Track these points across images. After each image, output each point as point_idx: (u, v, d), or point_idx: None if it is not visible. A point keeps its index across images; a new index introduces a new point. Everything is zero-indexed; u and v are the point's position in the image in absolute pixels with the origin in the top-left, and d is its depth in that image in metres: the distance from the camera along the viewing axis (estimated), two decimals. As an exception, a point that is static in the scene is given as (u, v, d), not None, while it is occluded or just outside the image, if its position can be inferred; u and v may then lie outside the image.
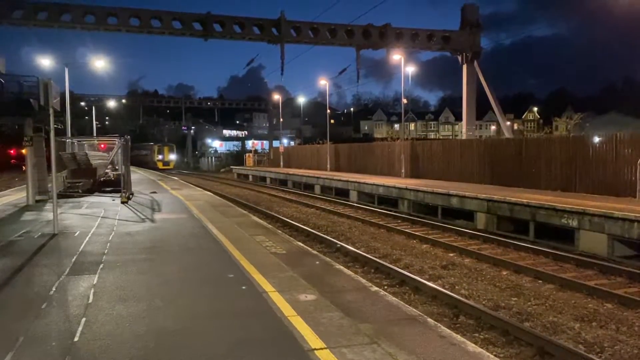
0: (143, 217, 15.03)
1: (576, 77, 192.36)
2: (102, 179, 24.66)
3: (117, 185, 21.80)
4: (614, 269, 11.01)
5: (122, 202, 18.50)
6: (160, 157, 71.54)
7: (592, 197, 15.86)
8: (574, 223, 13.58)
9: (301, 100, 78.66)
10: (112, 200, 19.41)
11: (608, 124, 63.55)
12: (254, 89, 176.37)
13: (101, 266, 8.61)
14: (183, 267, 8.72)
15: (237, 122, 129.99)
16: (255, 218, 15.45)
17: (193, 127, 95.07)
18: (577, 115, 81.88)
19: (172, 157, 73.27)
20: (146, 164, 71.56)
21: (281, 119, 62.59)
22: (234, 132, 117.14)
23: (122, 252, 9.84)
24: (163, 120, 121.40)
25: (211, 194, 24.67)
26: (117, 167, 25.82)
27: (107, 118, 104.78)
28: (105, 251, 9.89)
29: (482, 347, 5.82)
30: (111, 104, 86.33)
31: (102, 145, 34.98)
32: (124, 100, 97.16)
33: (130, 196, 20.25)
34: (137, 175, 39.48)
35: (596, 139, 17.78)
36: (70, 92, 31.36)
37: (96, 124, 59.06)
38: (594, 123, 75.19)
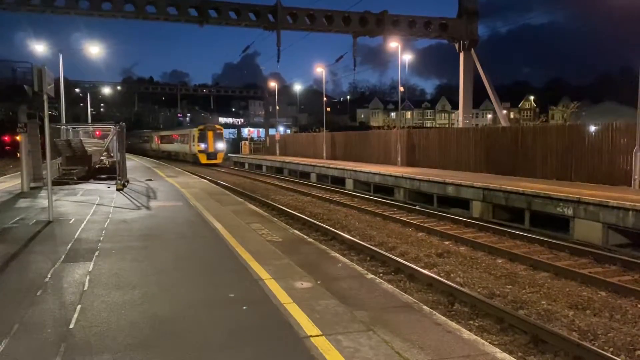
0: (138, 204, 14.99)
1: (573, 66, 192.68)
2: (97, 166, 24.58)
3: (112, 173, 21.72)
4: (608, 258, 11.06)
5: (118, 190, 18.45)
6: (202, 146, 48.34)
7: (588, 186, 15.91)
8: (569, 212, 13.62)
9: (297, 88, 78.63)
10: (108, 188, 19.34)
11: (604, 113, 63.62)
12: (249, 76, 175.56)
13: (96, 253, 8.59)
14: (179, 254, 8.71)
15: (233, 109, 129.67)
16: (252, 206, 15.43)
17: (189, 115, 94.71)
18: (573, 104, 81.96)
19: (221, 145, 49.69)
20: (177, 155, 56.05)
21: (277, 107, 62.29)
22: (229, 120, 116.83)
23: (118, 239, 9.82)
24: (158, 107, 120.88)
25: (207, 181, 24.62)
26: (112, 154, 25.69)
27: (102, 105, 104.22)
28: (101, 238, 9.86)
29: (477, 335, 5.84)
30: (106, 90, 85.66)
31: (97, 132, 34.81)
32: (119, 87, 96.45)
33: (126, 183, 20.20)
34: (133, 162, 39.34)
35: (592, 128, 17.79)
36: (65, 79, 31.13)
37: (91, 111, 58.74)
38: (590, 112, 75.29)
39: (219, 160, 48.46)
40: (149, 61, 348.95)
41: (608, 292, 8.90)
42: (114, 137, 23.18)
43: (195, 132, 49.27)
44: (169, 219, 12.25)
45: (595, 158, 17.20)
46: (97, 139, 32.49)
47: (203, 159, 47.53)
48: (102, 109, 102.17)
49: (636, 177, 15.32)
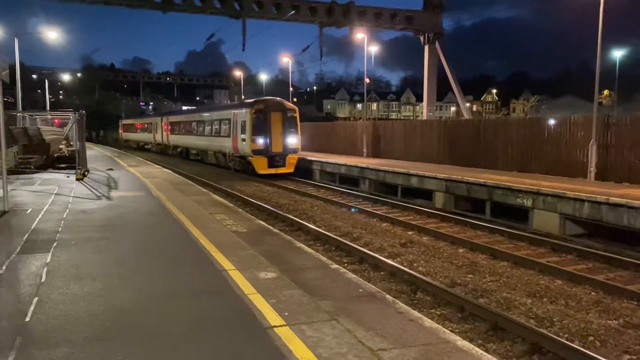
0: (99, 194, 14.65)
1: (534, 59, 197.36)
2: (56, 154, 23.87)
3: (71, 162, 21.14)
4: (565, 247, 11.43)
5: (77, 179, 17.98)
6: (260, 141, 25.41)
7: (547, 178, 16.35)
8: (528, 202, 13.99)
9: (263, 77, 77.80)
10: (67, 177, 18.83)
11: (563, 107, 65.51)
12: (214, 64, 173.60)
13: (55, 244, 8.36)
14: (141, 246, 8.56)
15: (198, 98, 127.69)
16: (216, 196, 15.28)
17: (151, 103, 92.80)
18: (534, 97, 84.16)
19: (294, 140, 26.18)
20: (203, 155, 34.12)
21: (243, 96, 61.75)
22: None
23: (77, 230, 9.57)
24: (120, 95, 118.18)
25: (170, 171, 24.22)
26: (72, 143, 25.00)
27: (60, 92, 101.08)
28: (59, 229, 9.60)
29: (438, 323, 5.95)
30: (65, 77, 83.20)
31: (56, 121, 33.81)
32: (79, 74, 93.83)
33: (86, 173, 19.69)
34: (93, 151, 38.38)
35: (551, 121, 18.28)
36: (21, 64, 30.05)
37: (50, 98, 56.90)
38: (550, 105, 77.38)
39: (289, 169, 25.88)
40: (110, 47, 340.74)
41: (564, 280, 9.20)
42: (74, 126, 22.54)
43: (246, 114, 25.69)
44: (131, 210, 12.01)
45: (555, 150, 17.68)
46: (56, 128, 31.55)
47: (261, 166, 25.19)
48: (61, 97, 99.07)
49: (592, 169, 15.82)
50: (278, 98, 27.78)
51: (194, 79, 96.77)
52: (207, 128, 32.39)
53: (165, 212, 11.73)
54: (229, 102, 57.92)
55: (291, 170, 25.97)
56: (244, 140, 25.88)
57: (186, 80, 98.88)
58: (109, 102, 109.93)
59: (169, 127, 42.27)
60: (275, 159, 25.42)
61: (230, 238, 9.02)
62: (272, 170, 25.30)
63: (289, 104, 26.92)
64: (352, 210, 16.39)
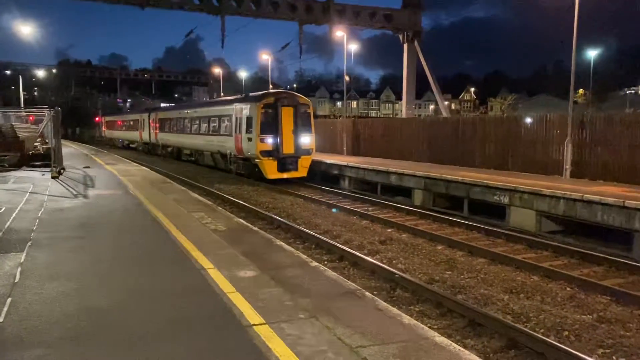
0: (75, 193, 14.42)
1: (511, 59, 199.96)
2: (30, 152, 23.39)
3: (47, 160, 20.75)
4: (541, 244, 11.61)
5: (53, 177, 17.66)
6: (269, 141, 21.72)
7: (523, 175, 16.59)
8: (505, 200, 14.17)
9: (243, 74, 77.30)
10: (42, 175, 18.48)
11: (539, 106, 66.48)
12: (192, 61, 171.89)
13: (29, 244, 8.20)
14: (118, 244, 8.45)
15: (176, 95, 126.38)
16: (195, 195, 15.15)
17: (129, 100, 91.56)
18: (511, 96, 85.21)
19: (307, 140, 22.49)
20: (200, 158, 30.20)
21: (222, 93, 61.34)
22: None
23: (53, 229, 9.41)
24: (97, 92, 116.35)
25: (148, 169, 23.95)
26: (47, 140, 24.53)
27: (35, 88, 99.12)
28: (34, 228, 9.42)
29: (417, 319, 6.00)
30: (40, 73, 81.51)
31: (31, 118, 33.11)
32: (54, 70, 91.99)
33: (62, 171, 19.36)
34: (70, 149, 37.75)
35: (528, 120, 18.54)
36: (-6, 60, 29.34)
37: (24, 95, 55.74)
38: (526, 104, 78.48)
39: (301, 173, 22.47)
40: (86, 43, 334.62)
41: (540, 276, 9.35)
42: (49, 123, 22.12)
43: (252, 109, 22.13)
44: (108, 208, 11.84)
45: (531, 148, 17.95)
46: (31, 125, 30.92)
47: (271, 170, 21.86)
48: (36, 93, 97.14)
49: (567, 167, 16.10)
50: (289, 90, 24.45)
51: (172, 75, 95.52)
52: (204, 125, 28.61)
53: (143, 211, 11.59)
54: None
55: (304, 174, 22.46)
56: (249, 139, 22.16)
57: (164, 77, 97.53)
58: (85, 98, 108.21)
59: (158, 124, 38.78)
60: (286, 162, 21.94)
61: (209, 236, 8.96)
62: (283, 175, 21.98)
63: (302, 97, 23.21)
64: (334, 210, 16.24)
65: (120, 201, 12.99)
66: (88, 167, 22.37)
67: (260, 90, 25.98)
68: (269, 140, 21.64)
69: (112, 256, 7.66)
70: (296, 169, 22.21)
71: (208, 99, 39.65)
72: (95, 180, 17.53)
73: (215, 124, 26.93)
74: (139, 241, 8.77)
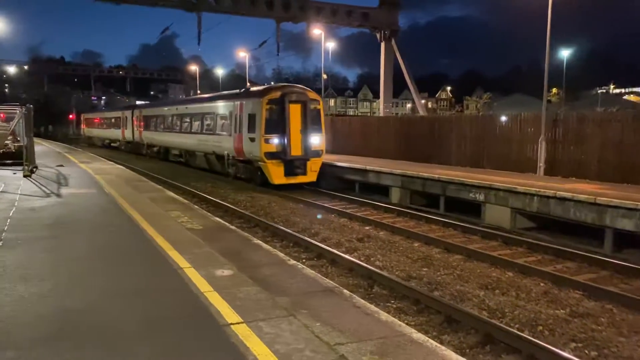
0: (48, 192, 14.13)
1: (487, 58, 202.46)
2: (1, 150, 22.85)
3: (18, 158, 20.29)
4: (515, 240, 11.80)
5: (25, 176, 17.27)
6: (275, 141, 19.46)
7: (499, 173, 16.82)
8: (481, 197, 14.36)
9: (219, 72, 76.70)
10: (14, 174, 18.06)
11: (514, 104, 67.48)
12: (168, 58, 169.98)
13: (0, 244, 8.01)
14: (92, 244, 8.31)
15: (152, 92, 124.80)
16: (171, 193, 14.99)
17: (104, 98, 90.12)
18: (486, 95, 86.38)
19: (317, 140, 20.17)
20: (208, 158, 25.38)
21: (198, 91, 60.75)
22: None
23: (25, 229, 9.20)
24: (70, 89, 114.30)
25: (123, 167, 23.61)
26: (19, 138, 24.00)
27: (6, 85, 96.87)
28: (5, 228, 9.19)
29: (394, 316, 6.04)
30: (11, 70, 79.68)
31: (2, 115, 32.35)
32: (26, 67, 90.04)
33: (34, 169, 18.94)
34: (42, 147, 36.99)
35: (503, 118, 18.83)
36: (-37, 56, 28.60)
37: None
38: (501, 103, 79.54)
39: (310, 178, 20.27)
40: (58, 39, 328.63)
41: (515, 272, 9.49)
42: (21, 120, 21.64)
43: (256, 106, 19.96)
44: (82, 207, 11.64)
45: (506, 147, 18.22)
46: (1, 122, 30.20)
47: (277, 174, 19.61)
48: (6, 90, 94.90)
49: (541, 164, 16.38)
50: (297, 85, 22.07)
51: (148, 73, 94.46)
52: (196, 123, 26.19)
53: (118, 210, 11.42)
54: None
55: (313, 179, 20.18)
56: (252, 139, 19.82)
57: (140, 74, 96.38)
58: (58, 96, 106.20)
59: (143, 122, 36.29)
60: (294, 165, 19.64)
61: (185, 235, 8.88)
62: (290, 180, 19.61)
63: (312, 93, 20.87)
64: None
65: (94, 200, 12.78)
66: (61, 166, 21.95)
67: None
68: (275, 140, 19.36)
69: (86, 256, 7.53)
70: (305, 173, 19.94)
71: (201, 95, 35.51)
72: (69, 179, 17.22)
73: (210, 122, 24.57)
74: (114, 240, 8.64)
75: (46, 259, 7.25)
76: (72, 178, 17.56)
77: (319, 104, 20.70)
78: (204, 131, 25.15)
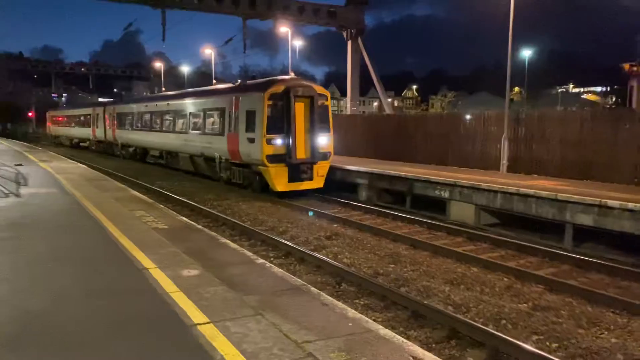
0: (7, 191, 13.69)
1: (451, 57, 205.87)
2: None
3: (-26, 157, 19.62)
4: (480, 236, 12.03)
5: (-19, 176, 16.70)
6: (279, 142, 16.79)
7: (463, 171, 17.10)
8: (446, 194, 14.59)
9: (185, 69, 75.57)
10: (-31, 174, 17.44)
11: (478, 103, 68.78)
12: (132, 55, 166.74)
13: (-45, 246, 7.74)
14: (54, 245, 8.10)
15: (115, 90, 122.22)
16: (135, 192, 14.73)
17: (65, 95, 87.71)
18: (451, 93, 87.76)
19: (324, 140, 17.56)
20: (194, 160, 22.72)
21: (163, 88, 59.75)
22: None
23: (-18, 230, 8.91)
24: (30, 86, 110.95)
25: (85, 166, 23.07)
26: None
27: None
28: (-39, 230, 8.89)
29: (362, 313, 6.08)
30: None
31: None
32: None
33: (-9, 169, 18.33)
34: (0, 145, 35.83)
35: (467, 117, 19.16)
36: None
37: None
38: (466, 101, 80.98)
39: (317, 184, 17.79)
40: (16, 35, 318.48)
41: (479, 267, 9.68)
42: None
43: (255, 101, 17.30)
44: (43, 207, 11.33)
45: (470, 145, 18.54)
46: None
47: (281, 180, 17.03)
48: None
49: (504, 162, 16.74)
50: (303, 79, 19.14)
51: (111, 69, 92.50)
52: (180, 122, 23.39)
53: (80, 210, 11.16)
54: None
55: (320, 185, 17.79)
56: (251, 140, 17.32)
57: (102, 70, 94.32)
58: (17, 93, 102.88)
59: (116, 120, 33.47)
60: (300, 170, 17.19)
61: (150, 235, 8.74)
62: (295, 187, 17.21)
63: (319, 88, 18.26)
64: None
65: (56, 200, 12.46)
66: (21, 165, 21.27)
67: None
68: (278, 141, 16.80)
69: (48, 257, 7.34)
70: (311, 179, 17.51)
71: (188, 89, 32.49)
72: (28, 179, 16.67)
73: (197, 120, 21.80)
74: (77, 241, 8.44)
75: (6, 261, 7.04)
76: (32, 177, 17.01)
77: (327, 100, 18.41)
78: (191, 130, 22.47)
